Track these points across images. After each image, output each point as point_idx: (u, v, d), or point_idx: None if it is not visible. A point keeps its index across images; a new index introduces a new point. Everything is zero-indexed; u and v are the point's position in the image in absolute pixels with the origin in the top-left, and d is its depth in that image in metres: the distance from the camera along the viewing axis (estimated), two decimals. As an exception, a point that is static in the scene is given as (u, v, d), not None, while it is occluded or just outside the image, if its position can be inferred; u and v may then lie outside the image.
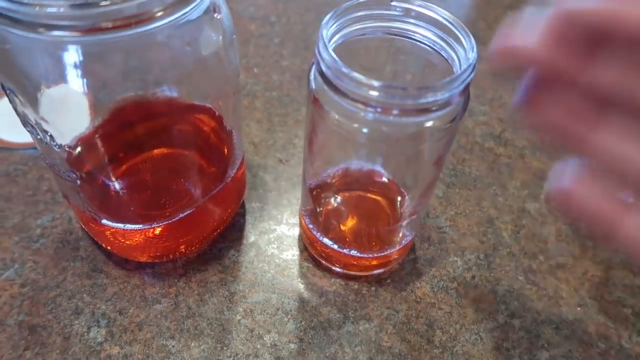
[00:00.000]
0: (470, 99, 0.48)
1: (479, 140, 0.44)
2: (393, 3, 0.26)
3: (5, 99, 0.43)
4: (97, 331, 0.30)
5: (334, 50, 0.26)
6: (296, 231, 0.36)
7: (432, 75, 0.29)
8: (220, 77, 0.28)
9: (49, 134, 0.24)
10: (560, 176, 0.18)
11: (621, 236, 0.18)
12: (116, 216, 0.30)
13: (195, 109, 0.31)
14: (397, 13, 0.26)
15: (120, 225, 0.30)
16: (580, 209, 0.18)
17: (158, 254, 0.33)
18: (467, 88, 0.24)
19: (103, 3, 0.20)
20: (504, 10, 0.60)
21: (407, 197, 0.32)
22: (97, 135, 0.28)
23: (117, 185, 0.30)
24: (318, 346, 0.31)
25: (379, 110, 0.23)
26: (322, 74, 0.24)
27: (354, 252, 0.32)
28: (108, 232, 0.31)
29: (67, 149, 0.25)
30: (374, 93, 0.22)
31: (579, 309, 0.34)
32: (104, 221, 0.30)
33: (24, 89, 0.23)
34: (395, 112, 0.23)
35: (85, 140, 0.27)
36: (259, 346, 0.30)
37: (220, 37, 0.26)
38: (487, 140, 0.44)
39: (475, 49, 0.23)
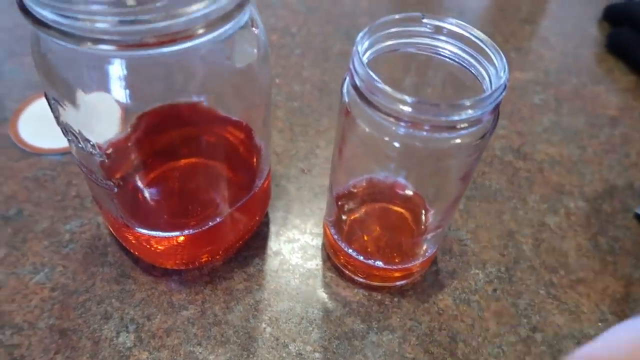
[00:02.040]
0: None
1: (498, 154, 0.44)
2: (424, 20, 0.26)
3: (33, 105, 0.44)
4: (126, 336, 0.31)
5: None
6: (319, 241, 0.37)
7: (451, 90, 0.30)
8: (254, 90, 0.29)
9: (91, 143, 0.25)
10: None
11: None
12: (146, 223, 0.31)
13: (227, 122, 0.31)
14: (428, 30, 0.26)
15: (151, 232, 0.31)
16: None
17: (183, 261, 0.34)
18: (497, 107, 0.24)
19: (150, 20, 0.21)
20: (520, 24, 0.60)
21: (431, 212, 0.33)
22: (130, 143, 0.28)
23: (147, 192, 0.31)
24: (342, 356, 0.31)
25: (410, 125, 0.24)
26: (355, 87, 0.24)
27: (377, 263, 0.32)
28: (138, 239, 0.32)
29: (107, 157, 0.26)
30: (407, 108, 0.23)
31: (600, 324, 0.34)
32: (137, 228, 0.30)
33: (68, 99, 0.24)
34: (426, 127, 0.23)
35: (119, 147, 0.28)
36: (284, 355, 0.31)
37: (256, 51, 0.27)
38: (507, 154, 0.44)
39: (507, 69, 0.24)
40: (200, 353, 0.31)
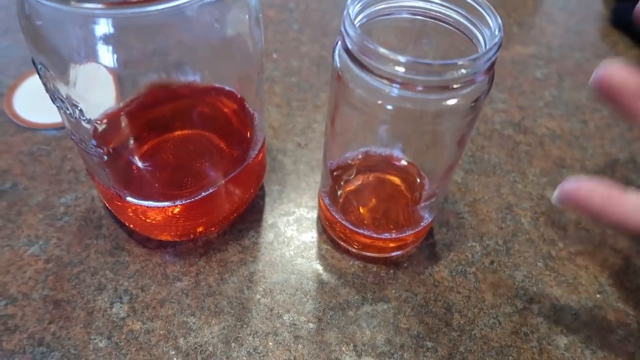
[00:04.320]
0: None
1: (498, 128, 0.44)
2: (418, -18, 0.26)
3: (28, 81, 0.44)
4: (120, 307, 0.31)
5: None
6: (315, 214, 0.37)
7: (447, 55, 0.29)
8: (245, 57, 0.28)
9: (78, 108, 0.25)
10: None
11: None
12: (139, 194, 0.31)
13: (219, 92, 0.31)
14: (421, -8, 0.26)
15: (143, 203, 0.31)
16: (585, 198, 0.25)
17: (178, 233, 0.34)
18: (492, 67, 0.24)
19: (134, -23, 0.20)
20: (524, -1, 0.59)
21: (426, 180, 0.32)
22: (123, 113, 0.28)
23: (141, 163, 0.30)
24: (336, 326, 0.31)
25: (403, 86, 0.23)
26: (347, 50, 0.24)
27: (372, 233, 0.32)
28: (130, 210, 0.32)
29: (96, 123, 0.26)
30: (400, 69, 0.23)
31: (598, 295, 0.33)
32: (128, 198, 0.30)
33: (55, 63, 0.24)
34: (419, 88, 0.23)
35: (113, 117, 0.28)
36: (278, 325, 0.31)
37: (247, 16, 0.26)
38: (507, 128, 0.44)
39: (501, 28, 0.23)
40: (194, 323, 0.31)
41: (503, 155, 0.42)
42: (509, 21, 0.55)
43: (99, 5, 0.21)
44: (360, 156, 0.33)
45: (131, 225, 0.34)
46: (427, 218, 0.33)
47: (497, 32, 0.23)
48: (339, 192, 0.33)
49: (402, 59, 0.22)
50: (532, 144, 0.43)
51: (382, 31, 0.28)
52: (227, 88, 0.31)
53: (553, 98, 0.47)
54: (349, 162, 0.33)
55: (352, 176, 0.34)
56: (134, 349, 0.29)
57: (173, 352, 0.29)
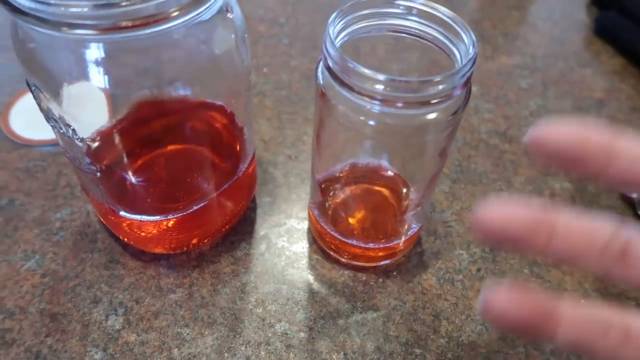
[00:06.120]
0: (476, 97, 0.49)
1: (484, 137, 0.45)
2: (396, 2, 0.27)
3: (23, 98, 0.45)
4: (115, 319, 0.32)
5: (340, 48, 0.27)
6: (305, 225, 0.37)
7: (427, 69, 0.30)
8: (233, 74, 0.29)
9: (71, 127, 0.26)
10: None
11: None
12: (132, 208, 0.31)
13: (208, 107, 0.32)
14: (400, 11, 0.27)
15: (137, 217, 0.31)
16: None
17: (172, 245, 0.34)
18: (468, 81, 0.25)
19: (124, 3, 0.21)
20: (508, 10, 0.61)
21: (412, 189, 0.33)
22: (115, 131, 0.29)
23: (133, 178, 0.31)
24: (327, 335, 0.32)
25: (383, 103, 0.24)
26: (329, 69, 0.25)
27: (361, 243, 0.33)
28: (125, 224, 0.32)
29: (88, 142, 0.27)
30: (379, 86, 0.24)
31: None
32: (122, 213, 0.31)
33: (49, 85, 0.25)
34: (399, 104, 0.24)
35: (105, 135, 0.28)
36: (270, 334, 0.32)
37: (233, 36, 0.27)
38: (493, 137, 0.45)
39: (475, 44, 0.24)
40: (188, 334, 0.31)
41: (489, 165, 0.42)
42: (494, 32, 0.57)
43: (90, 32, 0.22)
44: (347, 168, 0.34)
45: (125, 239, 0.35)
46: (414, 227, 0.34)
47: (471, 49, 0.24)
48: (327, 204, 0.34)
49: (381, 77, 0.23)
50: (517, 153, 0.44)
51: (369, 47, 0.29)
52: (217, 103, 0.32)
53: (538, 107, 0.48)
54: (337, 174, 0.34)
55: (340, 188, 0.35)
56: (128, 361, 0.30)
57: (167, 363, 0.30)
